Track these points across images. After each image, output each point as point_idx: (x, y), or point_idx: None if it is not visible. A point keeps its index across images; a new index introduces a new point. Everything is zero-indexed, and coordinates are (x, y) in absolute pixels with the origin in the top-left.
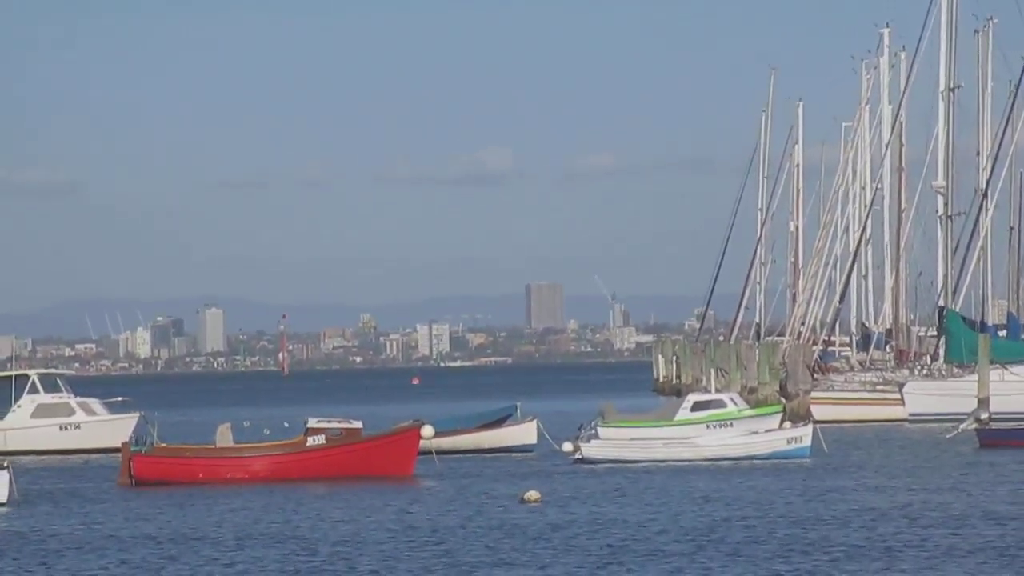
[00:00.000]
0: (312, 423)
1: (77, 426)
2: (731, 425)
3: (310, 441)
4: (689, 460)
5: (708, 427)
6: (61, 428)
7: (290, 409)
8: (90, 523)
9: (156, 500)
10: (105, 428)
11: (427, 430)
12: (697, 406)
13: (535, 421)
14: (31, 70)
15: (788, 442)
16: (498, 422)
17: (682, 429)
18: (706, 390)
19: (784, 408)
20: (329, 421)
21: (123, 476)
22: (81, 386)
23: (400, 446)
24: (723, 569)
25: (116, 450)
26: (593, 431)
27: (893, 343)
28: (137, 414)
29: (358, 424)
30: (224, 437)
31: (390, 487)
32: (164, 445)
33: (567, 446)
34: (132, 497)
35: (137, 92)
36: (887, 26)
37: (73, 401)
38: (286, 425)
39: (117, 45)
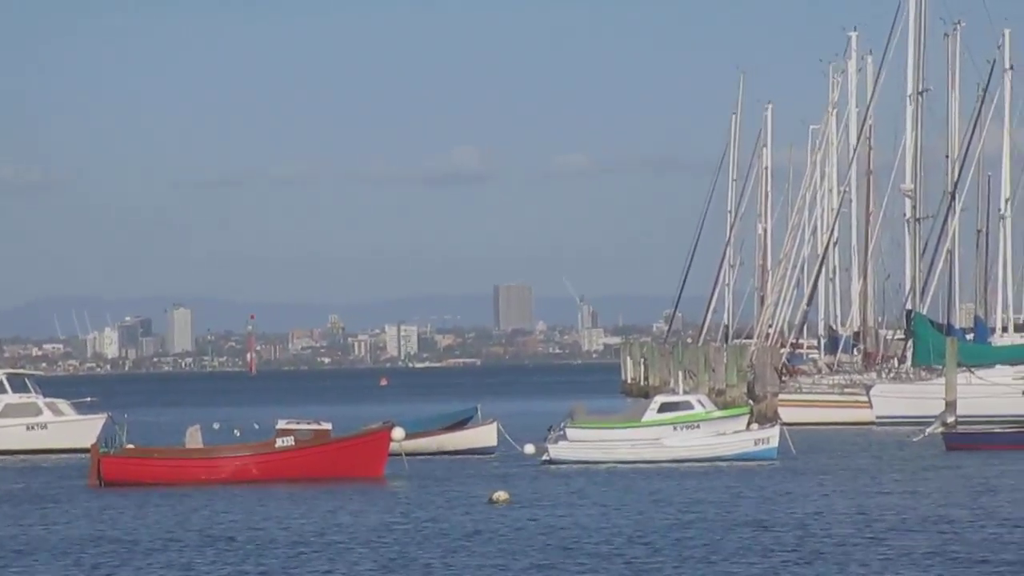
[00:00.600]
0: (281, 424)
1: (44, 426)
2: (698, 427)
3: (279, 443)
4: (656, 461)
5: (675, 428)
6: (28, 428)
7: (258, 410)
8: (48, 524)
9: (118, 501)
10: (72, 429)
11: (397, 432)
12: (664, 407)
13: (495, 423)
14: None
15: (755, 443)
16: (459, 424)
17: (649, 431)
18: (674, 392)
19: (751, 410)
20: (298, 423)
21: (92, 477)
22: (49, 386)
23: (370, 448)
24: (676, 571)
25: (84, 451)
26: (562, 432)
27: (861, 346)
28: (105, 415)
29: (327, 426)
30: (193, 439)
31: (356, 488)
32: (133, 446)
33: (528, 448)
34: (96, 498)
35: (107, 91)
36: (855, 30)
37: (40, 401)
38: (256, 426)
39: (90, 43)
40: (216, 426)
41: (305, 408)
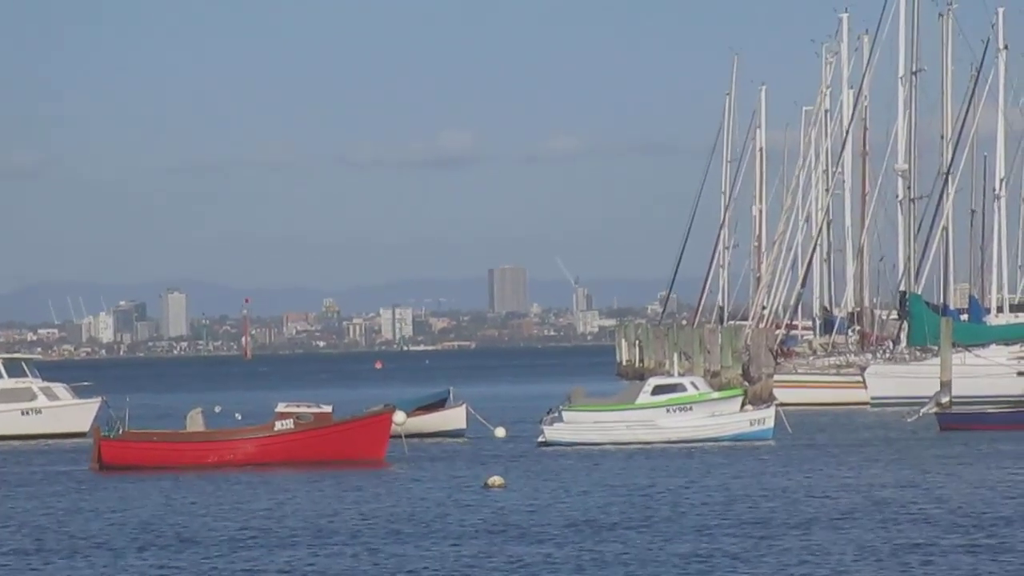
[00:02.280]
0: (281, 407)
1: (39, 411)
2: (691, 409)
3: (278, 426)
4: (651, 443)
5: (668, 411)
6: (23, 413)
7: (254, 394)
8: (33, 510)
9: (106, 485)
10: (67, 413)
11: (399, 416)
12: (658, 390)
13: (464, 406)
14: None
15: (751, 424)
16: (431, 407)
17: (643, 412)
18: (668, 374)
19: (745, 392)
20: (298, 406)
21: (94, 461)
22: (45, 370)
23: (372, 430)
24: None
25: (78, 435)
26: (558, 415)
27: (856, 327)
28: (99, 399)
29: (328, 408)
30: (195, 422)
31: (353, 472)
32: (133, 430)
33: (499, 431)
34: (93, 482)
35: (97, 75)
36: (846, 11)
37: (35, 386)
38: (239, 415)
39: (78, 27)
40: (217, 409)
41: (299, 392)
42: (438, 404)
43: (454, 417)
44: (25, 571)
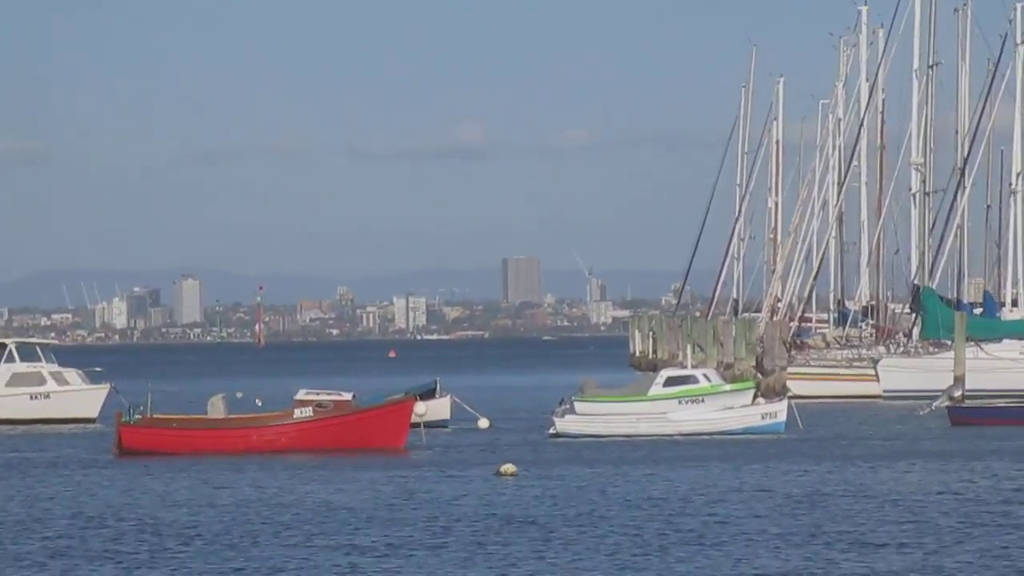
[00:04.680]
0: (301, 395)
1: (47, 395)
2: (703, 401)
3: (297, 413)
4: (663, 435)
5: (680, 403)
6: (32, 397)
7: (268, 381)
8: (35, 496)
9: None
10: (75, 398)
11: (419, 406)
12: (670, 382)
13: (449, 397)
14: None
15: (762, 417)
16: (421, 397)
17: (655, 404)
18: (682, 366)
19: (758, 384)
20: (318, 393)
21: (115, 447)
22: (61, 356)
23: (393, 418)
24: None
25: (86, 420)
26: (570, 406)
27: (870, 320)
28: (108, 385)
29: (348, 396)
30: (216, 408)
31: (374, 458)
32: (154, 415)
33: (482, 423)
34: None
35: (111, 61)
36: (865, 4)
37: (45, 371)
38: (259, 401)
39: (89, 15)
40: (239, 395)
41: (311, 380)
42: (425, 395)
43: (438, 408)
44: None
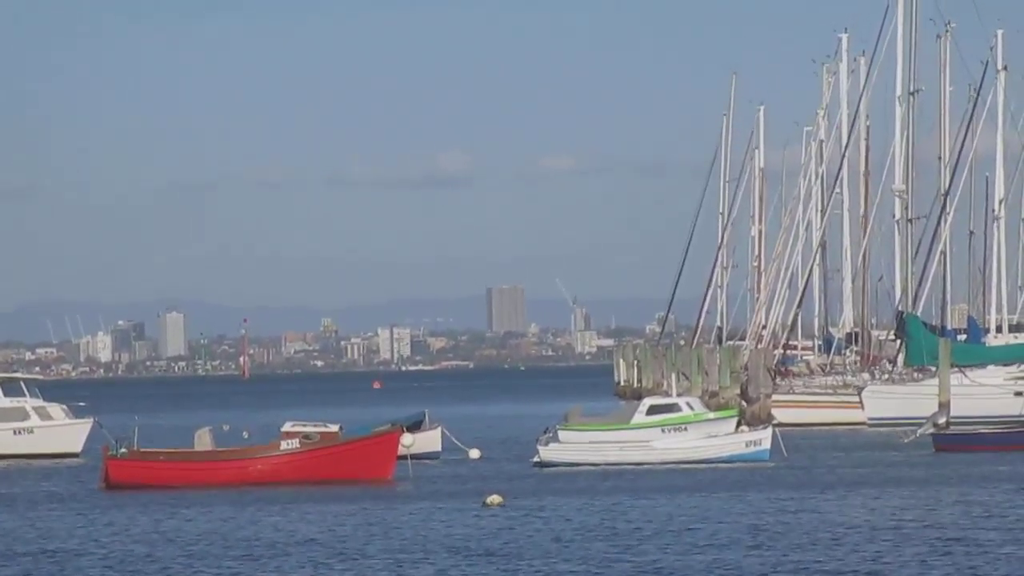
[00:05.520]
0: (287, 427)
1: (31, 431)
2: (685, 429)
3: (284, 445)
4: (646, 464)
5: (663, 431)
6: (15, 432)
7: (255, 414)
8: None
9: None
10: (59, 433)
11: (406, 438)
12: (653, 410)
13: (439, 428)
14: None
15: (747, 445)
16: (409, 430)
17: (638, 432)
18: (665, 394)
19: (741, 412)
20: (305, 425)
21: (101, 480)
22: (45, 391)
23: (380, 449)
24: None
25: (70, 455)
26: (553, 434)
27: (855, 347)
28: (91, 420)
29: (335, 428)
30: (203, 441)
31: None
32: (140, 449)
33: (474, 453)
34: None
35: (92, 94)
36: (845, 31)
37: (29, 406)
38: (247, 433)
39: (70, 47)
40: (226, 427)
41: (297, 411)
42: (413, 427)
43: (429, 440)
44: None
